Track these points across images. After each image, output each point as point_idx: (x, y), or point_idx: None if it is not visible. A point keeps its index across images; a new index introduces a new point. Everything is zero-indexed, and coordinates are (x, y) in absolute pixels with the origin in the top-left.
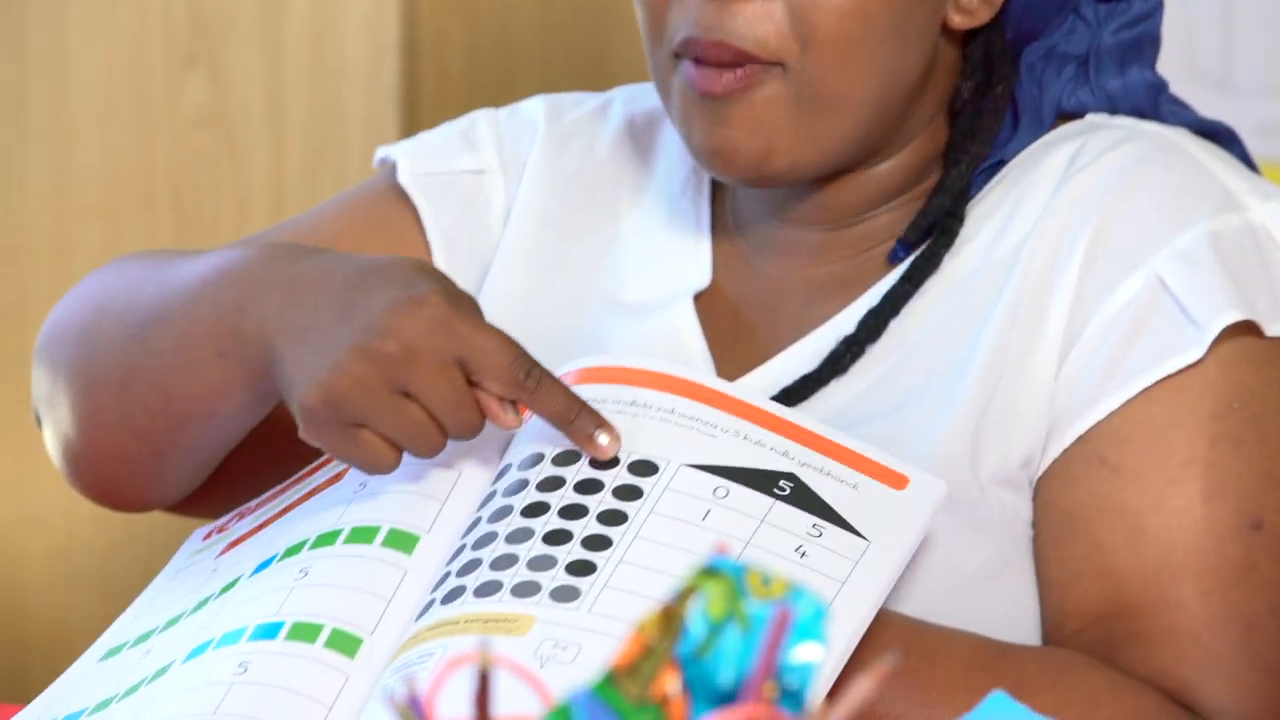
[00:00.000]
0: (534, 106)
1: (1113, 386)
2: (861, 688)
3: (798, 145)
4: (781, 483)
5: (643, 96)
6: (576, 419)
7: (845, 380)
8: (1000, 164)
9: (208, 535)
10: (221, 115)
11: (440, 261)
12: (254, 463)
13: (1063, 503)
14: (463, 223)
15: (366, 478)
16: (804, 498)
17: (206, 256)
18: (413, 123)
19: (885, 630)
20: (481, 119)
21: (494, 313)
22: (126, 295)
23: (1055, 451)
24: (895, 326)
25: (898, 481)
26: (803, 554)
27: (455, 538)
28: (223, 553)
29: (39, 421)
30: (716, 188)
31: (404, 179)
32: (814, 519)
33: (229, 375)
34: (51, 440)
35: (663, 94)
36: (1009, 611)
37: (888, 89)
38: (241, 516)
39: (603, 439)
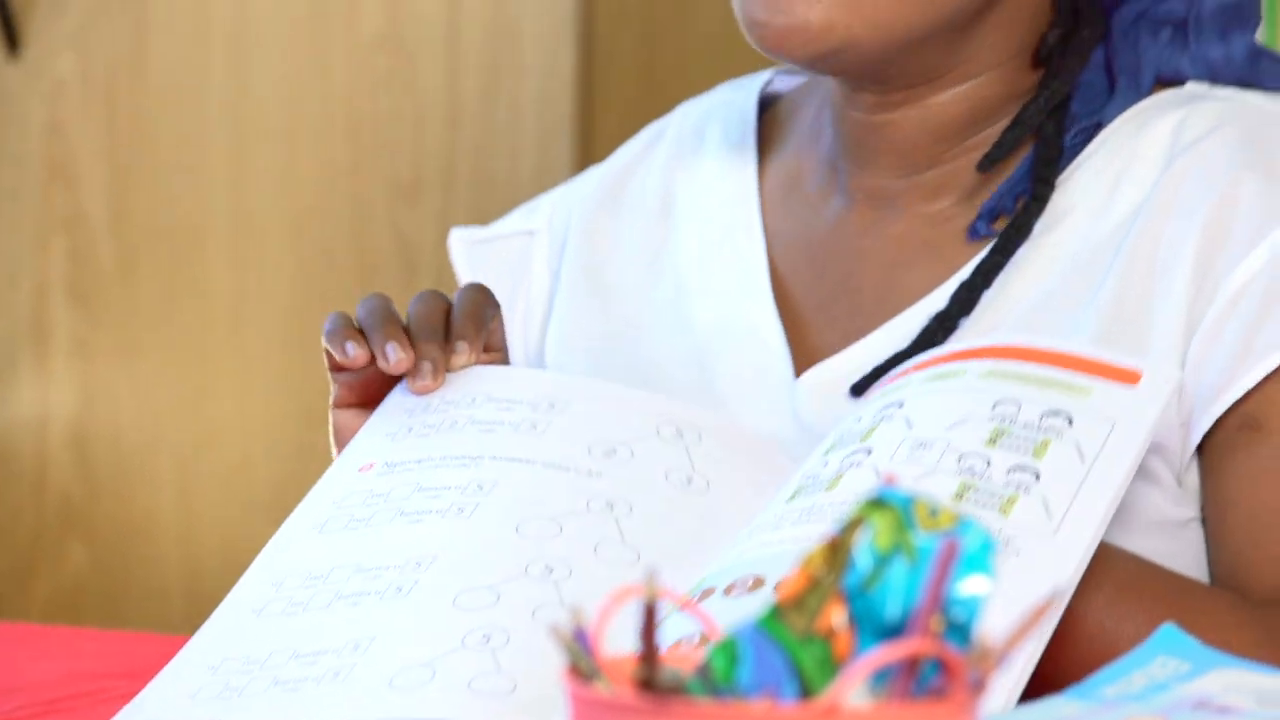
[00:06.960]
0: (593, 172)
1: (1249, 364)
2: (1021, 628)
3: (855, 21)
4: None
5: (698, 102)
6: None
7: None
8: (1097, 128)
9: None
10: (399, 37)
11: None
12: None
13: (1217, 489)
14: (503, 279)
15: None
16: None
17: None
18: (589, 40)
19: (1106, 562)
20: (548, 196)
21: (563, 346)
22: None
23: (1196, 437)
24: (987, 299)
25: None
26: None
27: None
28: None
29: None
30: (766, 143)
31: (453, 247)
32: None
33: None
34: None
35: None
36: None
37: None
38: None
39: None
